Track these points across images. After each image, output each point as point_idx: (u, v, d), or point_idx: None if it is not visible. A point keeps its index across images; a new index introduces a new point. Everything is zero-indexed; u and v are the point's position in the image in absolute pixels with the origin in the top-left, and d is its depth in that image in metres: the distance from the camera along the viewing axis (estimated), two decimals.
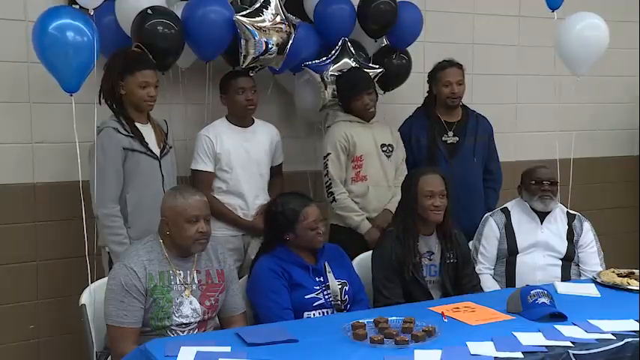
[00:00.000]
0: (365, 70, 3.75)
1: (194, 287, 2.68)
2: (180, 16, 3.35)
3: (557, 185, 3.50)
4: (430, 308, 2.75)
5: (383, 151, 3.66)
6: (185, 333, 2.64)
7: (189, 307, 2.65)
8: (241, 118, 3.52)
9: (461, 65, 3.78)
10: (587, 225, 3.53)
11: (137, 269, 2.59)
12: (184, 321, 2.64)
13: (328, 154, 3.58)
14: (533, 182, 3.46)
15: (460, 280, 3.20)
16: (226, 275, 2.79)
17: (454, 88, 3.72)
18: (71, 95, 2.94)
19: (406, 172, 3.72)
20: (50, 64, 2.89)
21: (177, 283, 2.65)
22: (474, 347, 2.30)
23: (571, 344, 2.35)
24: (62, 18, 2.86)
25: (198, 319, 2.67)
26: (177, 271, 2.67)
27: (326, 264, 2.99)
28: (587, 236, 3.49)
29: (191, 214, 2.63)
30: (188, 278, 2.68)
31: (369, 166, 3.61)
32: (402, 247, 3.09)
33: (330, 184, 3.56)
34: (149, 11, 3.20)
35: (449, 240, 3.19)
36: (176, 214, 2.64)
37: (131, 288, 2.56)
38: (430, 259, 3.17)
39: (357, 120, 3.64)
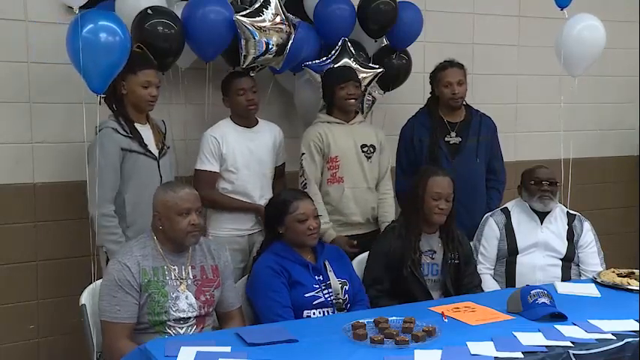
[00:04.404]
0: (364, 69, 3.75)
1: (189, 282, 2.69)
2: (180, 16, 3.35)
3: (556, 185, 3.50)
4: (430, 308, 2.75)
5: (363, 151, 3.61)
6: (184, 329, 2.65)
7: (185, 302, 2.65)
8: (245, 119, 3.52)
9: (462, 65, 3.77)
10: (587, 225, 3.53)
11: (130, 265, 2.60)
12: (182, 315, 2.64)
13: (303, 154, 3.55)
14: (533, 182, 3.46)
15: (462, 280, 3.20)
16: (221, 271, 2.81)
17: (455, 88, 3.71)
18: (98, 95, 2.93)
19: (390, 181, 3.73)
20: (83, 66, 2.86)
21: (173, 278, 2.67)
22: (474, 347, 2.31)
23: (571, 344, 2.35)
24: (98, 20, 2.88)
25: (195, 314, 2.67)
26: (172, 267, 2.68)
27: (326, 263, 2.99)
28: (587, 236, 3.49)
29: (182, 206, 2.65)
30: (183, 273, 2.70)
31: (347, 168, 3.56)
32: (403, 243, 3.09)
33: (305, 184, 3.53)
34: (149, 11, 3.20)
35: (451, 241, 3.19)
36: (167, 209, 2.65)
37: (124, 283, 2.57)
38: (432, 258, 3.18)
39: (336, 121, 3.59)
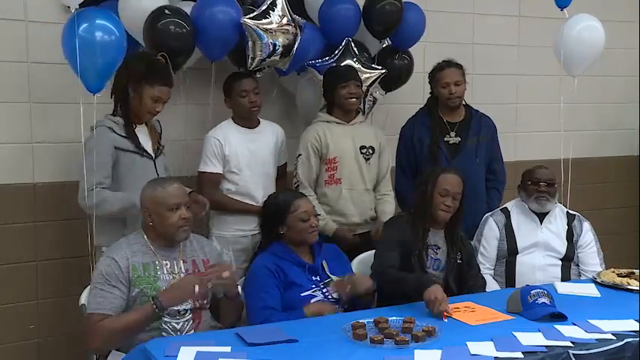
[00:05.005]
0: (366, 69, 3.75)
1: (182, 276, 2.70)
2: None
3: (554, 187, 3.48)
4: None
5: (362, 153, 3.61)
6: (180, 324, 2.64)
7: None
8: (247, 120, 3.53)
9: (460, 65, 3.76)
10: (586, 225, 3.53)
11: (118, 259, 2.61)
12: (176, 308, 2.64)
13: (299, 154, 3.55)
14: (530, 183, 3.47)
15: (466, 282, 3.20)
16: (212, 264, 2.80)
17: (452, 89, 3.70)
18: (94, 95, 2.95)
19: (390, 182, 3.73)
20: (80, 65, 2.86)
21: (165, 272, 2.67)
22: (474, 347, 2.31)
23: (571, 344, 2.35)
24: (93, 18, 2.88)
25: (189, 307, 2.67)
26: (164, 262, 2.68)
27: (324, 263, 2.99)
28: (587, 236, 3.49)
29: (171, 202, 2.66)
30: (175, 268, 2.70)
31: (345, 169, 3.56)
32: (412, 233, 3.10)
33: (298, 186, 3.52)
34: (167, 11, 3.20)
35: (455, 241, 3.20)
36: (157, 204, 2.66)
37: (111, 276, 2.57)
38: (436, 253, 3.18)
39: (335, 121, 3.59)
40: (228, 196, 3.47)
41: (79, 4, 2.94)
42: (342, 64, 3.68)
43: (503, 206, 3.61)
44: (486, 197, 3.83)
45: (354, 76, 3.57)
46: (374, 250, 3.22)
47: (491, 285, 3.41)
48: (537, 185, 3.44)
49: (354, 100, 3.57)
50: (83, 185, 2.95)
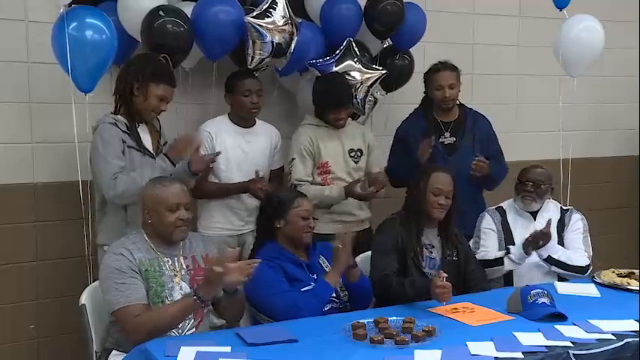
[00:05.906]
0: (367, 70, 3.75)
1: (183, 272, 2.70)
2: (189, 15, 3.35)
3: (541, 187, 3.44)
4: (429, 309, 2.75)
5: (351, 156, 3.61)
6: (181, 322, 2.64)
7: (179, 292, 2.65)
8: (243, 119, 3.52)
9: (455, 67, 3.74)
10: (577, 215, 3.51)
11: (126, 254, 2.60)
12: None
13: (293, 159, 3.53)
14: (519, 181, 3.48)
15: (467, 277, 3.21)
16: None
17: (446, 92, 3.69)
18: (86, 95, 2.94)
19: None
20: (71, 65, 2.86)
21: (167, 269, 2.67)
22: (474, 347, 2.31)
23: (571, 344, 2.36)
24: (83, 17, 2.88)
25: None
26: (165, 259, 2.68)
27: (322, 260, 3.01)
28: (576, 225, 3.46)
29: (171, 201, 2.65)
30: (176, 265, 2.70)
31: (336, 172, 3.57)
32: (407, 234, 3.11)
33: (295, 186, 3.48)
34: (161, 12, 3.20)
35: (450, 237, 3.20)
36: (156, 203, 2.66)
37: (126, 270, 2.56)
38: (430, 252, 3.18)
39: (324, 125, 3.59)
40: (218, 182, 3.46)
41: (69, 4, 2.92)
42: (340, 66, 3.66)
43: (499, 205, 3.61)
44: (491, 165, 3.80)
45: (344, 102, 3.54)
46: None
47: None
48: (525, 185, 3.45)
49: (342, 122, 3.57)
50: (105, 177, 2.93)
